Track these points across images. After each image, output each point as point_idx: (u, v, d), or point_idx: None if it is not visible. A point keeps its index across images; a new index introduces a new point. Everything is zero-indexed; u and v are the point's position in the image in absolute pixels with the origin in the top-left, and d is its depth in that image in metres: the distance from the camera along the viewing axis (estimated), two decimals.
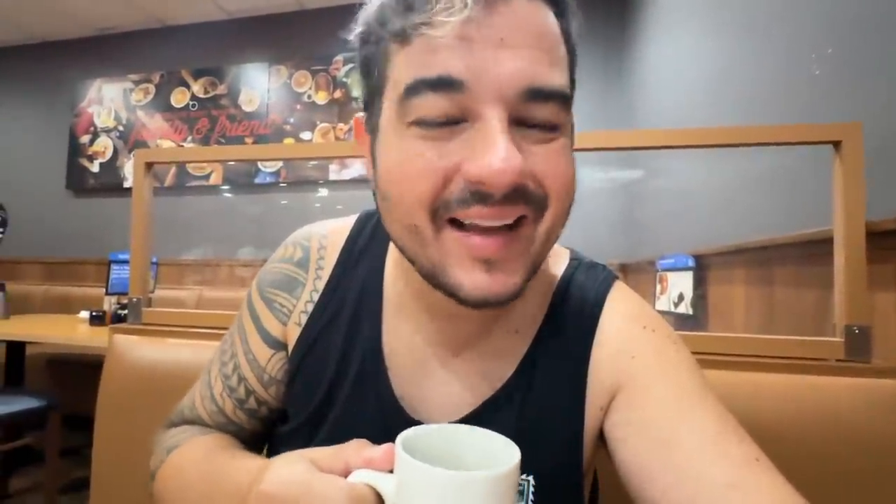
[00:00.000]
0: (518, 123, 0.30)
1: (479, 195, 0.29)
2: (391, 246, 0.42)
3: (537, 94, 0.29)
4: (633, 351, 0.37)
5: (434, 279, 0.32)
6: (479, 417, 0.37)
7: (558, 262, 0.43)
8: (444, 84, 0.28)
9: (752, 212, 1.11)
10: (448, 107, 0.29)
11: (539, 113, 0.30)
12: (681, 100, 1.68)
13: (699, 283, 1.33)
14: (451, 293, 0.31)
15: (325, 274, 0.44)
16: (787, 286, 0.92)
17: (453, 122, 0.30)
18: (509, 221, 0.30)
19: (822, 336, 0.66)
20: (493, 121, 0.28)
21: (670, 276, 1.46)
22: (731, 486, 0.28)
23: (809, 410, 0.58)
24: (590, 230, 2.37)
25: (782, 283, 0.94)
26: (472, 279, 0.30)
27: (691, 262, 1.33)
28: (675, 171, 1.72)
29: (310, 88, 2.99)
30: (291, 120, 3.01)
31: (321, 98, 2.97)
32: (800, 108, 0.90)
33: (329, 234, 0.46)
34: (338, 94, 2.95)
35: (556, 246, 0.44)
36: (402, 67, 0.30)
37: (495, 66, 0.28)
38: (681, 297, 1.37)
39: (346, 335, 0.41)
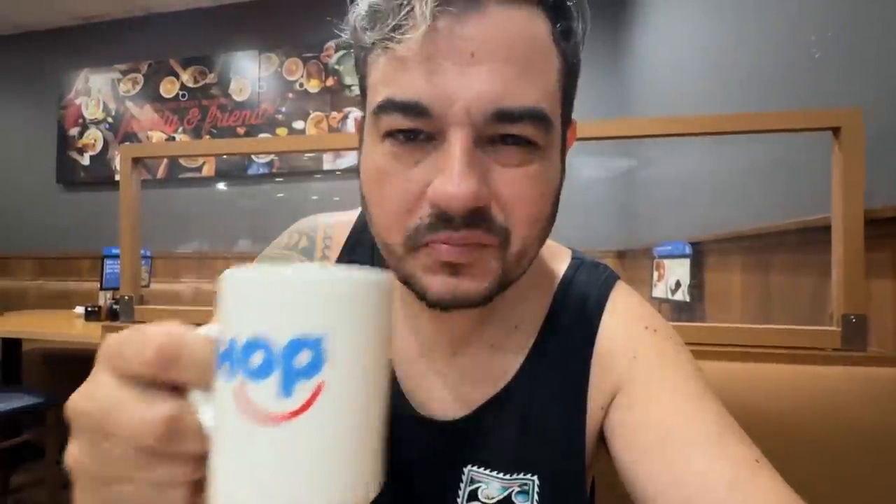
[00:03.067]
0: (491, 142, 0.29)
1: (444, 218, 0.29)
2: None
3: (506, 117, 0.28)
4: (634, 351, 0.36)
5: (410, 286, 0.33)
6: (481, 415, 0.37)
7: (560, 262, 0.43)
8: (411, 110, 0.28)
9: (749, 198, 1.10)
10: (416, 125, 0.29)
11: (511, 130, 0.29)
12: (679, 85, 1.66)
13: (696, 270, 1.33)
14: (419, 297, 0.32)
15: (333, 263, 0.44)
16: (784, 274, 0.92)
17: (424, 139, 0.29)
18: (476, 242, 0.30)
19: (819, 324, 0.66)
20: (455, 144, 0.28)
21: (667, 263, 1.45)
22: (731, 487, 0.27)
23: (806, 400, 0.58)
24: (588, 218, 2.36)
25: (779, 270, 0.94)
26: (437, 282, 0.30)
27: (688, 250, 1.33)
28: (672, 157, 1.71)
29: (301, 76, 2.93)
30: (283, 109, 2.96)
31: (313, 86, 2.92)
32: (800, 92, 0.89)
33: (335, 225, 0.46)
34: (330, 81, 2.91)
35: (557, 246, 0.45)
36: (377, 81, 0.30)
37: (461, 89, 0.27)
38: (678, 285, 1.37)
39: None
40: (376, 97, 0.30)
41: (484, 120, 0.28)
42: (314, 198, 2.93)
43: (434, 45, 0.27)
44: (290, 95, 2.95)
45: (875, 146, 0.64)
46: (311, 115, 2.93)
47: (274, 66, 2.97)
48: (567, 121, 0.35)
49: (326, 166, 2.88)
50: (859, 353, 0.61)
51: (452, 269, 0.30)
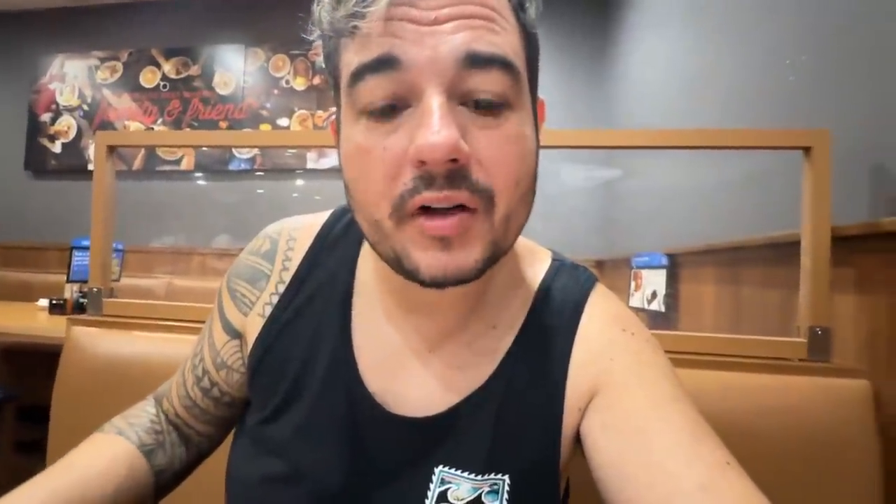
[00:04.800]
0: (464, 103, 0.30)
1: (426, 179, 0.29)
2: (365, 240, 0.42)
3: (476, 60, 0.29)
4: (612, 353, 0.37)
5: (397, 266, 0.32)
6: (456, 414, 0.37)
7: (540, 263, 0.43)
8: (382, 64, 0.29)
9: (724, 212, 1.14)
10: (390, 87, 0.29)
11: (482, 84, 0.29)
12: (660, 101, 1.71)
13: (671, 281, 1.36)
14: (411, 277, 0.31)
15: (293, 266, 0.43)
16: (755, 286, 0.95)
17: (399, 108, 0.30)
18: (461, 203, 0.30)
19: (786, 335, 0.68)
20: (431, 99, 0.28)
21: (644, 273, 1.49)
22: (703, 489, 0.28)
23: (773, 408, 0.60)
24: (568, 227, 2.40)
25: (750, 283, 0.97)
26: (428, 258, 0.30)
27: (665, 261, 1.36)
28: (653, 170, 1.75)
29: (288, 73, 2.90)
30: (268, 105, 2.92)
31: (300, 84, 2.89)
32: (774, 112, 0.93)
33: (301, 227, 0.46)
34: (317, 80, 2.88)
35: (537, 246, 0.45)
36: (348, 58, 0.31)
37: (431, 39, 0.28)
38: (654, 295, 1.40)
39: (313, 328, 0.41)
40: (349, 71, 0.31)
41: (455, 67, 0.29)
42: (295, 195, 2.89)
43: (398, 15, 0.28)
44: (276, 92, 2.91)
45: (843, 167, 0.67)
46: (297, 113, 2.89)
47: (260, 61, 2.93)
48: (534, 94, 0.35)
49: (310, 165, 2.85)
50: (823, 364, 0.64)
51: (442, 243, 0.30)
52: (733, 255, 1.04)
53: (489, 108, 0.30)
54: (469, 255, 0.31)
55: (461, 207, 0.30)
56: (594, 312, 0.39)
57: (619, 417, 0.33)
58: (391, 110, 0.30)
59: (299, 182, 2.92)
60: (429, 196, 0.29)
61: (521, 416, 0.37)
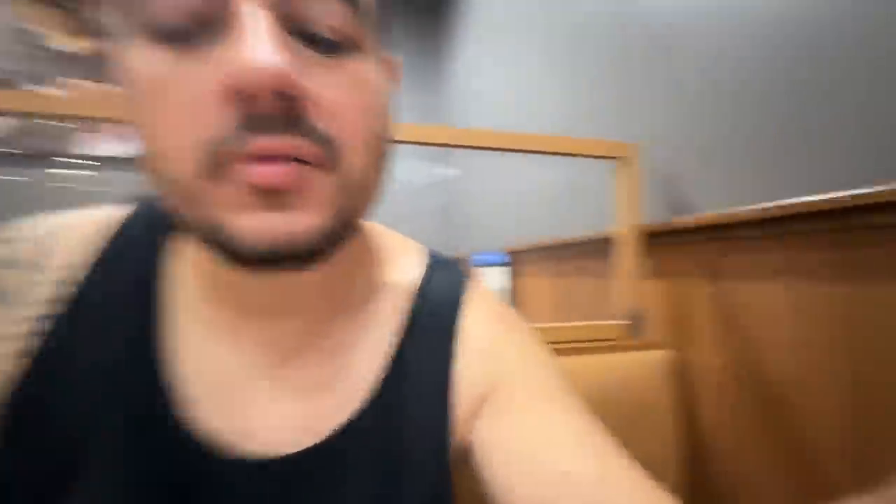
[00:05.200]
0: (295, 33, 0.23)
1: (251, 121, 0.22)
2: (178, 234, 0.32)
3: None
4: (499, 352, 0.35)
5: (213, 242, 0.23)
6: (332, 447, 0.29)
7: (413, 259, 0.39)
8: None
9: (555, 212, 1.29)
10: (194, 3, 0.22)
11: (318, 13, 0.23)
12: (492, 104, 1.85)
13: (511, 277, 1.48)
14: (232, 252, 0.23)
15: (61, 277, 0.29)
16: (582, 278, 1.10)
17: (204, 30, 0.22)
18: (298, 156, 0.23)
19: (610, 319, 0.79)
20: (249, 13, 0.22)
21: (486, 271, 1.59)
22: (601, 481, 0.28)
23: (603, 382, 0.69)
24: (408, 224, 2.41)
25: (578, 275, 1.12)
26: (252, 221, 0.23)
27: (504, 259, 1.48)
28: (489, 171, 1.88)
29: (47, 28, 2.20)
30: (15, 68, 2.16)
31: (67, 44, 2.22)
32: (600, 124, 1.07)
33: (70, 224, 0.31)
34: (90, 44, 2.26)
35: (408, 240, 0.41)
36: None
37: None
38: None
39: (106, 363, 0.28)
40: None
41: None
42: (51, 184, 2.21)
43: None
44: (26, 50, 2.17)
45: (652, 173, 0.81)
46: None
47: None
48: (378, 46, 0.30)
49: (85, 150, 2.21)
50: (639, 340, 0.76)
51: (270, 200, 0.23)
52: (563, 251, 1.18)
53: (330, 48, 0.24)
54: (306, 218, 0.23)
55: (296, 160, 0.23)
56: (474, 311, 0.36)
57: (512, 421, 0.31)
58: (192, 33, 0.22)
59: (65, 171, 2.23)
60: (259, 144, 0.22)
61: (408, 439, 0.31)
